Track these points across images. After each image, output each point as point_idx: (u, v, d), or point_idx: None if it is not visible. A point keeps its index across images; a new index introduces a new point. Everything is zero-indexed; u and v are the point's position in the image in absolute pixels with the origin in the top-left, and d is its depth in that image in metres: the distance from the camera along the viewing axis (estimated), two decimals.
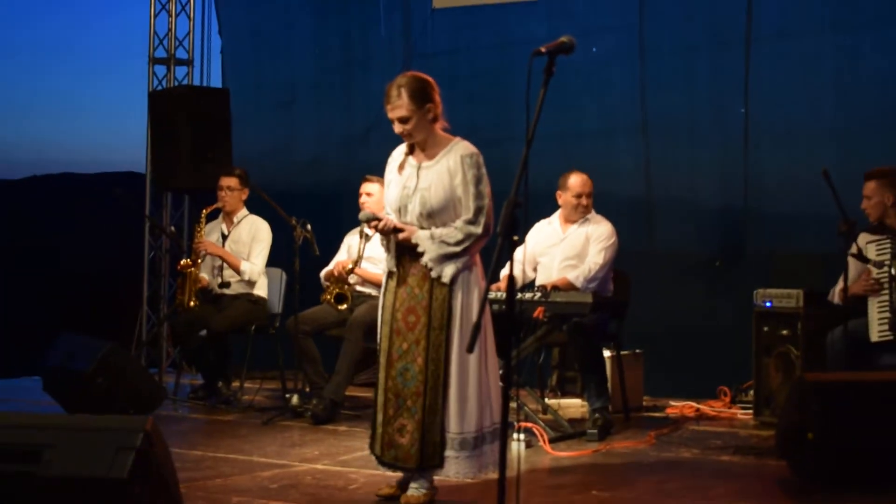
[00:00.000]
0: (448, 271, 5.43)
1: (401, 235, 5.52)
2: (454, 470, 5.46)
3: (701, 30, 9.42)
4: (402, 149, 5.70)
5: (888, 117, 8.53)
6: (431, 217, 5.49)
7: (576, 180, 7.88)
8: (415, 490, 5.52)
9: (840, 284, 7.07)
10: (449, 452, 5.44)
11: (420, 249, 5.47)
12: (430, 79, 5.57)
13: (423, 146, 5.57)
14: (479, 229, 5.43)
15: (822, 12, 8.88)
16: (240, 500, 5.60)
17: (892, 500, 5.44)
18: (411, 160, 5.60)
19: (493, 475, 5.36)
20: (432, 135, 5.56)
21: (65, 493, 4.07)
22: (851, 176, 7.47)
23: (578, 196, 7.85)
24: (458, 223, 5.45)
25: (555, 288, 7.40)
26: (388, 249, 5.64)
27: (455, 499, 5.58)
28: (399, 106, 5.46)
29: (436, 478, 5.58)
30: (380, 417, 5.58)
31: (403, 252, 5.58)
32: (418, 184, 5.51)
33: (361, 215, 5.63)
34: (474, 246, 5.46)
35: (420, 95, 5.47)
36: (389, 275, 5.65)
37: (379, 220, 5.54)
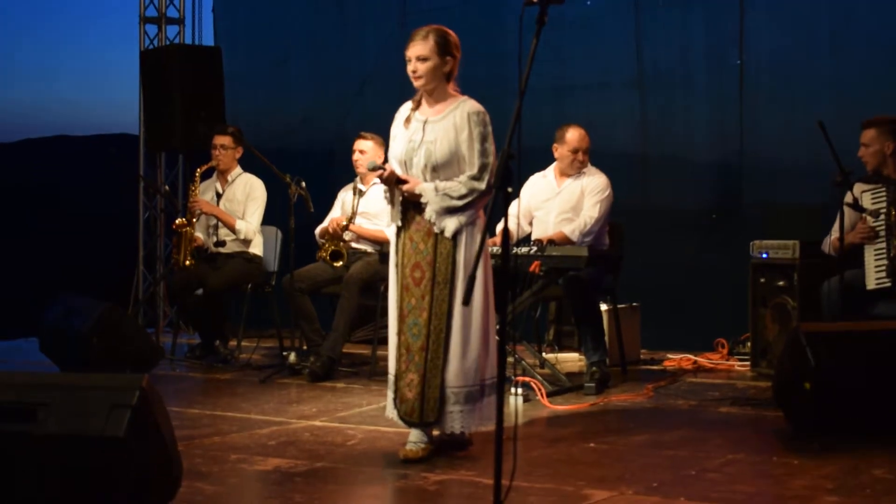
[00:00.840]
0: (451, 226, 5.44)
1: (405, 186, 5.52)
2: (458, 424, 5.48)
3: None
4: (408, 104, 5.71)
5: (883, 70, 8.50)
6: (436, 171, 5.50)
7: (573, 135, 7.83)
8: (412, 445, 5.53)
9: (834, 234, 7.06)
10: (452, 407, 5.46)
11: (423, 200, 5.48)
12: (457, 40, 5.61)
13: (430, 99, 5.60)
14: (482, 185, 5.43)
15: None
16: (238, 458, 5.60)
17: (888, 448, 5.45)
18: (417, 115, 5.62)
19: (493, 427, 5.38)
20: (442, 90, 5.58)
21: (61, 452, 4.07)
22: (846, 128, 7.43)
23: (575, 151, 7.81)
24: (463, 178, 5.46)
25: (551, 242, 7.38)
26: (391, 202, 5.64)
27: (454, 452, 5.58)
28: (422, 46, 5.51)
29: (436, 432, 5.61)
30: (395, 371, 5.60)
31: (408, 207, 5.59)
32: (424, 137, 5.53)
33: (367, 164, 5.63)
34: (478, 202, 5.46)
35: (444, 46, 5.52)
36: (397, 231, 5.65)
37: (384, 169, 5.54)
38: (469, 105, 5.55)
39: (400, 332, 5.57)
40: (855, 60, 8.63)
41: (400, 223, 5.62)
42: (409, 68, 5.54)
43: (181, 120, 9.98)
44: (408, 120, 5.64)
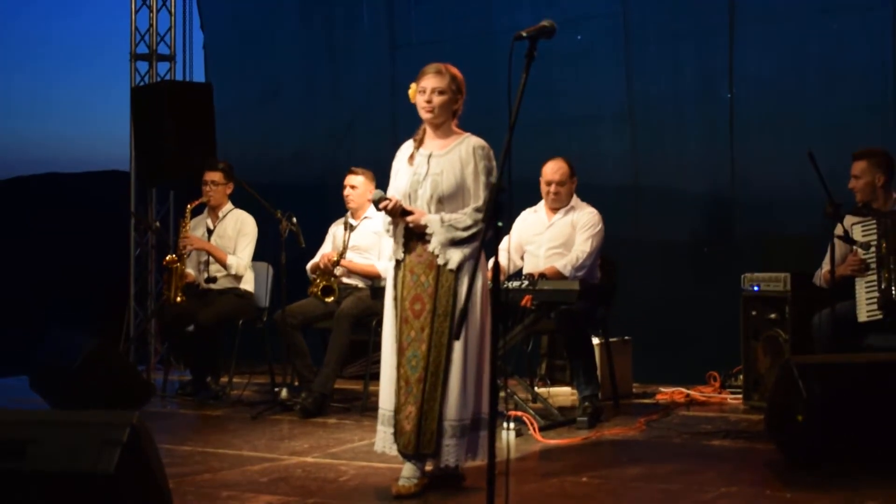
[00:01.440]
0: (455, 258, 5.47)
1: (410, 217, 5.54)
2: (453, 457, 5.47)
3: (685, 16, 9.41)
4: (409, 143, 5.75)
5: (873, 102, 8.52)
6: (441, 202, 5.54)
7: (547, 167, 7.88)
8: (405, 480, 5.52)
9: (825, 267, 7.08)
10: (448, 441, 5.46)
11: (429, 231, 5.51)
12: (463, 80, 5.67)
13: (435, 135, 5.65)
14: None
15: None
16: (230, 495, 5.58)
17: (882, 480, 5.45)
18: (421, 150, 5.66)
19: (482, 461, 5.39)
20: (447, 126, 5.64)
21: (51, 489, 4.05)
22: (837, 159, 7.46)
23: (549, 183, 7.84)
24: (468, 210, 5.52)
25: (542, 276, 7.39)
26: (393, 236, 5.66)
27: (447, 488, 5.57)
28: (439, 79, 5.55)
29: (430, 467, 5.60)
30: (393, 405, 5.58)
31: (410, 238, 5.60)
32: (429, 170, 5.58)
33: (373, 195, 5.62)
34: (481, 234, 5.47)
35: (457, 84, 5.60)
36: (396, 265, 5.66)
37: (389, 200, 5.55)
38: (474, 140, 5.61)
39: (399, 366, 5.56)
40: (845, 91, 8.65)
41: (401, 256, 5.63)
42: (423, 98, 5.57)
43: (172, 156, 9.98)
44: (411, 157, 5.67)
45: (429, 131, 5.67)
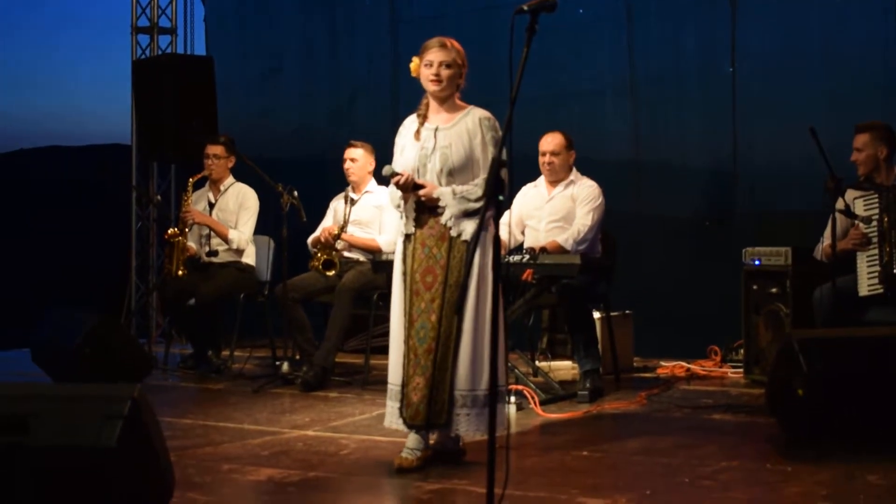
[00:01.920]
0: (469, 229, 5.46)
1: (422, 191, 5.53)
2: (464, 427, 5.46)
3: None
4: (412, 118, 5.73)
5: (874, 77, 8.52)
6: (451, 174, 5.54)
7: (543, 139, 7.90)
8: (408, 452, 5.52)
9: (826, 241, 7.08)
10: (459, 410, 5.45)
11: (442, 204, 5.51)
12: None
13: (440, 108, 5.62)
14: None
15: None
16: (231, 468, 5.59)
17: (882, 455, 5.45)
18: (427, 125, 5.64)
19: (501, 432, 5.38)
20: (452, 99, 5.63)
21: (53, 463, 4.06)
22: (838, 134, 7.45)
23: (543, 154, 7.85)
24: (478, 181, 5.51)
25: (543, 250, 7.38)
26: (403, 211, 5.64)
27: (448, 461, 5.57)
28: (446, 53, 5.53)
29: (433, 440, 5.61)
30: (401, 379, 5.57)
31: (421, 212, 5.59)
32: (437, 143, 5.56)
33: (385, 169, 5.60)
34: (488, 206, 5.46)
35: (461, 58, 5.58)
36: (406, 238, 5.65)
37: (401, 174, 5.54)
38: (479, 112, 5.61)
39: (409, 338, 5.55)
40: (846, 67, 8.64)
41: (412, 230, 5.62)
42: (430, 72, 5.53)
43: (174, 130, 9.97)
44: (417, 132, 5.65)
45: (433, 105, 5.65)
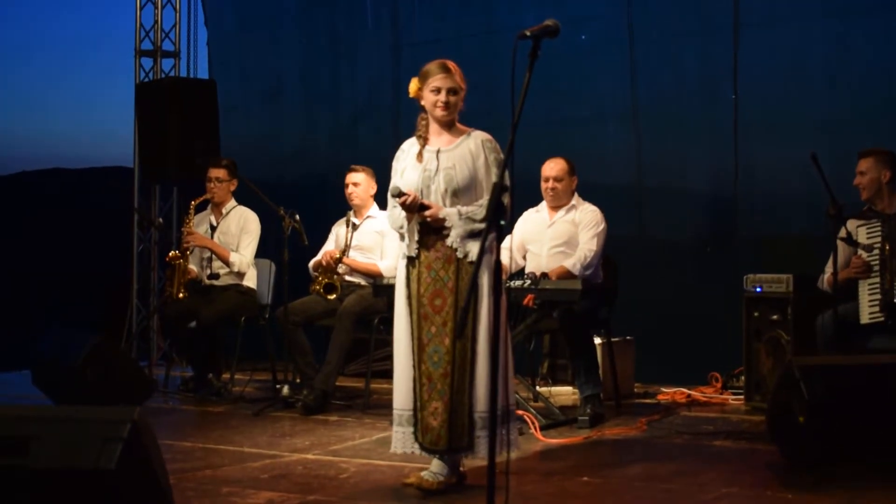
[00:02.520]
0: (474, 250, 5.46)
1: (428, 212, 5.53)
2: (484, 449, 5.42)
3: (689, 16, 9.41)
4: (411, 141, 5.74)
5: (876, 104, 8.53)
6: (456, 195, 5.55)
7: (546, 165, 7.93)
8: (431, 475, 5.51)
9: (829, 271, 7.08)
10: (480, 432, 5.44)
11: (448, 224, 5.51)
12: None
13: (442, 132, 5.65)
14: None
15: None
16: (230, 491, 5.59)
17: (884, 482, 5.44)
18: (428, 147, 5.66)
19: (513, 454, 5.39)
20: (455, 121, 5.67)
21: (52, 485, 4.05)
22: (840, 161, 7.47)
23: (546, 180, 7.88)
24: (482, 201, 5.52)
25: (544, 276, 7.38)
26: (407, 233, 5.63)
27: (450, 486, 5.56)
28: (452, 79, 5.56)
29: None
30: (417, 404, 5.56)
31: (427, 234, 5.59)
32: (440, 165, 5.58)
33: (391, 189, 5.59)
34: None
35: (463, 81, 5.62)
36: (409, 262, 5.64)
37: (408, 195, 5.54)
38: (481, 134, 5.64)
39: (421, 363, 5.54)
40: (848, 93, 8.66)
41: (415, 253, 5.62)
42: (439, 99, 5.55)
43: (176, 152, 10.00)
44: (419, 154, 5.66)
45: (434, 128, 5.66)
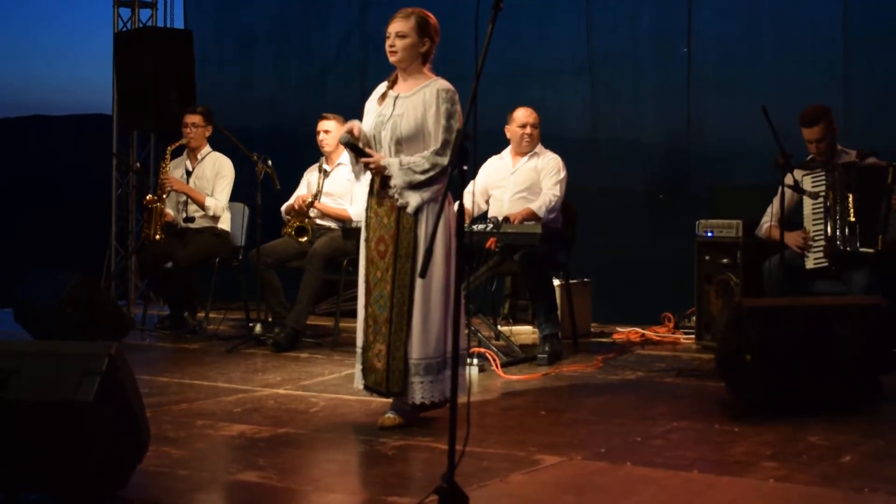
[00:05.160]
0: (413, 201, 5.35)
1: (369, 159, 5.43)
2: (419, 395, 5.38)
3: None
4: (384, 83, 5.63)
5: (825, 59, 8.53)
6: (400, 144, 5.42)
7: (520, 112, 7.93)
8: (391, 413, 5.50)
9: (767, 221, 7.16)
10: (413, 378, 5.37)
11: (387, 174, 5.40)
12: (437, 25, 5.54)
13: (404, 77, 5.53)
14: (444, 160, 5.30)
15: None
16: (204, 423, 5.57)
17: (824, 417, 5.48)
18: (391, 92, 5.55)
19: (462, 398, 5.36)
20: (417, 69, 5.51)
21: (32, 417, 4.02)
22: (789, 114, 7.45)
23: (523, 126, 7.86)
24: (426, 153, 5.36)
25: (506, 220, 7.37)
26: (357, 174, 5.59)
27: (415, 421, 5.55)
28: (403, 23, 5.45)
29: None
30: (362, 343, 5.52)
31: (375, 181, 5.50)
32: (393, 111, 5.46)
33: (341, 138, 5.52)
34: (440, 177, 5.36)
35: (424, 27, 5.46)
36: (368, 206, 5.58)
37: (357, 140, 5.47)
38: (439, 83, 5.46)
39: (367, 305, 5.49)
40: (797, 49, 8.66)
41: (370, 199, 5.55)
42: (388, 43, 5.47)
43: (153, 100, 9.92)
44: (383, 97, 5.56)
45: (400, 74, 5.57)
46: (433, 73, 5.56)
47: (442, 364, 5.40)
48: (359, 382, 5.56)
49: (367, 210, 5.59)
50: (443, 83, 5.47)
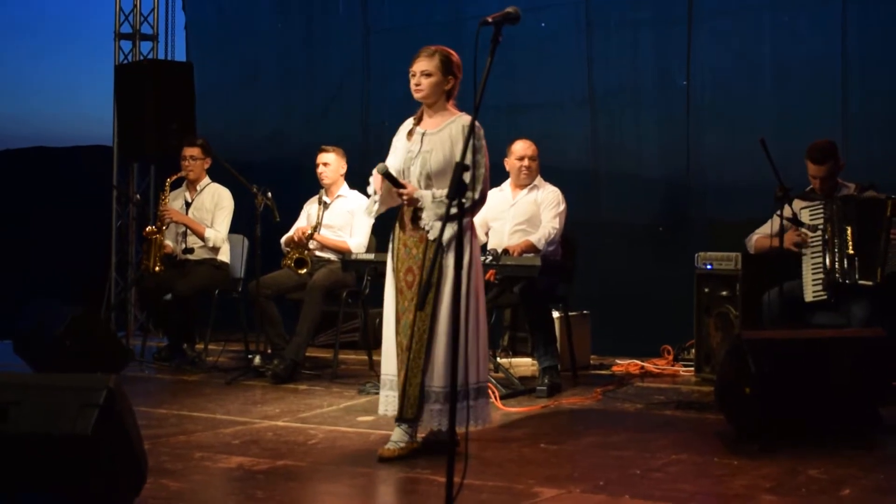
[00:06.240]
0: (444, 233, 5.39)
1: (404, 191, 5.49)
2: (436, 420, 5.43)
3: (645, 5, 9.40)
4: (410, 119, 5.71)
5: (824, 93, 8.54)
6: (430, 179, 5.52)
7: (518, 145, 7.97)
8: (391, 444, 5.51)
9: (758, 233, 7.22)
10: (432, 406, 5.42)
11: (420, 206, 5.47)
12: (460, 62, 5.61)
13: (430, 114, 5.61)
14: (475, 195, 5.41)
15: None
16: (202, 455, 5.56)
17: (824, 450, 5.47)
18: (419, 128, 5.63)
19: (472, 428, 5.38)
20: (442, 105, 5.59)
21: (31, 450, 4.02)
22: (787, 147, 7.48)
23: (521, 158, 7.90)
24: None
25: (506, 252, 7.38)
26: (377, 200, 5.61)
27: (440, 451, 5.52)
28: (427, 62, 5.51)
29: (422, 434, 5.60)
30: (391, 370, 5.56)
31: (406, 212, 5.56)
32: (422, 148, 5.55)
33: (378, 167, 5.53)
34: (469, 211, 5.44)
35: (447, 66, 5.54)
36: (393, 236, 5.65)
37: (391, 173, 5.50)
38: (465, 119, 5.55)
39: (396, 334, 5.54)
40: (796, 83, 8.68)
41: (399, 231, 5.61)
42: (413, 82, 5.55)
43: (153, 132, 9.94)
44: (410, 133, 5.64)
45: (426, 110, 5.63)
46: (457, 108, 5.63)
47: (463, 394, 5.41)
48: (388, 409, 5.59)
49: (393, 241, 5.66)
50: (468, 118, 5.54)
